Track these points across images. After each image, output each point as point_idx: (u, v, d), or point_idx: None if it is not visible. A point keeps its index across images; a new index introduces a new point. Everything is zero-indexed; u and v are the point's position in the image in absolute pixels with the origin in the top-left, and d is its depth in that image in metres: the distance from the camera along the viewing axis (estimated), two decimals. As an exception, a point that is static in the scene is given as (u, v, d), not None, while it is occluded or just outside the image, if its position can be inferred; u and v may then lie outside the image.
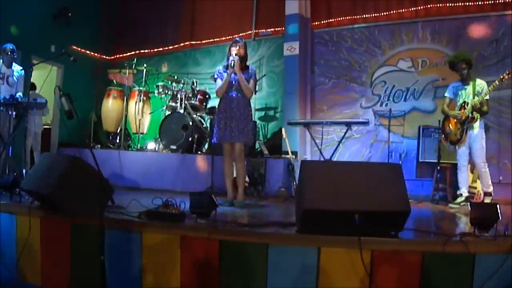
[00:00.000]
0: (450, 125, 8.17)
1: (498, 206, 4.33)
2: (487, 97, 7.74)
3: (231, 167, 7.12)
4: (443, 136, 8.42)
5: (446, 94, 8.41)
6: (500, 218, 4.27)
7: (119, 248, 4.85)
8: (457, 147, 8.09)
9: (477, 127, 7.82)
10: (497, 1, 9.85)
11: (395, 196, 4.30)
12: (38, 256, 5.30)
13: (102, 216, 4.45)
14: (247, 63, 7.26)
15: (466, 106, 7.89)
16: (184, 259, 4.61)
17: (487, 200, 7.69)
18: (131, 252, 4.81)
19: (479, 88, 7.85)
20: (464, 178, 8.06)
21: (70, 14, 12.82)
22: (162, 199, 5.15)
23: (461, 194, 8.02)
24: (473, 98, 7.79)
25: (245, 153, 7.08)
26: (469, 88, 7.96)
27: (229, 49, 7.08)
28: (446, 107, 8.32)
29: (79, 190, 5.20)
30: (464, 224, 5.87)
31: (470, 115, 7.79)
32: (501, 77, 7.56)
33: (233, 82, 6.93)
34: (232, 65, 6.81)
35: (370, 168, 4.86)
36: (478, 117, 7.79)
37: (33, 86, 10.22)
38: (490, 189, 7.76)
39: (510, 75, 7.55)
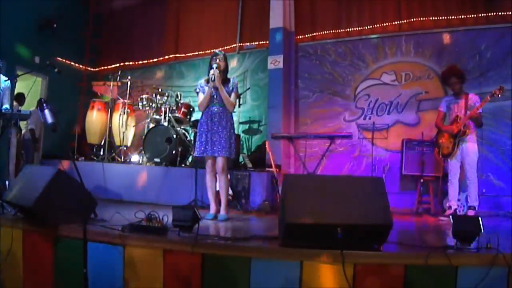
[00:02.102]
0: (443, 138, 8.22)
1: (480, 218, 4.34)
2: (480, 110, 7.80)
3: (214, 180, 7.08)
4: (436, 149, 8.46)
5: (440, 108, 8.50)
6: (482, 231, 4.29)
7: (101, 261, 4.80)
8: (448, 160, 8.13)
9: (469, 141, 7.90)
10: (479, 15, 9.95)
11: (377, 209, 4.31)
12: (20, 268, 5.27)
13: (85, 229, 4.41)
14: (229, 75, 7.21)
15: (458, 120, 7.95)
16: (166, 273, 4.58)
17: (471, 213, 7.73)
18: (114, 265, 4.78)
19: (471, 102, 7.91)
20: (454, 191, 8.10)
21: (55, 25, 12.83)
22: (145, 212, 5.13)
23: (450, 207, 8.06)
24: (466, 112, 7.85)
25: (228, 166, 7.04)
26: (462, 102, 8.02)
27: (210, 62, 7.05)
28: (440, 120, 8.37)
29: (62, 203, 5.19)
30: (447, 237, 5.88)
31: (462, 129, 7.84)
32: (492, 92, 7.66)
33: (215, 96, 6.90)
34: (212, 79, 6.76)
35: (353, 182, 4.86)
36: (470, 131, 7.85)
37: (21, 99, 10.16)
38: (476, 203, 7.82)
39: (501, 91, 7.62)
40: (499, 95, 7.76)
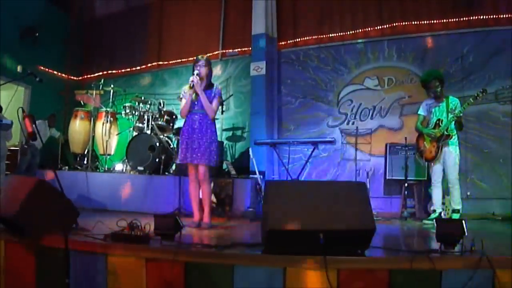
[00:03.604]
0: (424, 142, 8.20)
1: (463, 221, 4.33)
2: (461, 114, 7.81)
3: (197, 188, 7.02)
4: (417, 153, 8.45)
5: (419, 112, 8.44)
6: (466, 234, 4.28)
7: (84, 271, 4.77)
8: (432, 164, 8.12)
9: (452, 144, 7.88)
10: (461, 19, 10.01)
11: (360, 214, 4.28)
12: (3, 279, 5.20)
13: (67, 239, 4.36)
14: (213, 81, 7.16)
15: (440, 123, 7.94)
16: (149, 281, 4.53)
17: (455, 216, 7.72)
18: (96, 274, 4.73)
19: (452, 105, 7.92)
20: (438, 194, 8.09)
21: (37, 34, 12.77)
22: (127, 221, 5.09)
23: (434, 211, 8.06)
24: (447, 115, 7.86)
25: (210, 173, 6.99)
26: (443, 105, 8.02)
27: (192, 69, 7.01)
28: (420, 124, 8.36)
29: (43, 213, 5.12)
30: (431, 240, 5.87)
31: (445, 132, 7.84)
32: (475, 95, 7.68)
33: (195, 102, 6.83)
34: (191, 85, 6.72)
35: (335, 187, 4.83)
36: (453, 135, 7.86)
37: (-1, 108, 10.11)
38: (459, 206, 7.81)
39: (484, 94, 7.64)
40: (481, 98, 7.80)
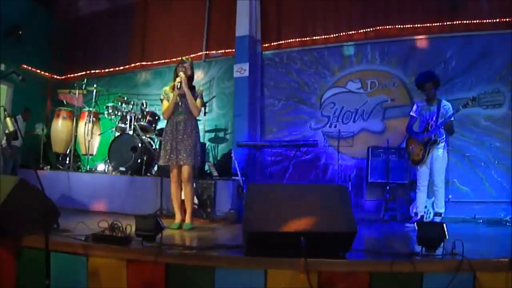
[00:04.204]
0: (413, 144, 8.24)
1: (444, 225, 4.36)
2: (452, 118, 7.84)
3: (179, 189, 7.00)
4: (407, 154, 8.48)
5: (411, 113, 8.45)
6: (447, 237, 4.30)
7: (64, 272, 4.74)
8: (418, 167, 8.15)
9: (439, 148, 7.91)
10: (445, 23, 10.06)
11: (341, 216, 4.30)
12: (-19, 280, 5.16)
13: (48, 239, 4.33)
14: (195, 83, 7.16)
15: (429, 128, 7.97)
16: (130, 283, 4.53)
17: (437, 219, 7.75)
18: (77, 276, 4.72)
19: (443, 110, 7.94)
20: (423, 198, 8.12)
21: (21, 32, 12.69)
22: (108, 222, 5.06)
23: (416, 213, 8.08)
24: (437, 120, 7.86)
25: (193, 175, 6.98)
26: (434, 109, 8.04)
27: (175, 69, 6.98)
28: (411, 126, 8.39)
29: (24, 212, 5.09)
30: (412, 243, 5.89)
31: (432, 137, 7.87)
32: (466, 102, 7.70)
33: (179, 103, 6.82)
34: (178, 86, 6.71)
35: (316, 189, 4.85)
36: (440, 140, 7.89)
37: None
38: (443, 209, 7.86)
39: (474, 102, 7.70)
40: (471, 106, 7.86)
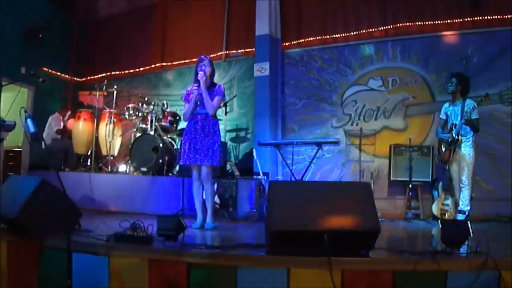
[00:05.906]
0: (441, 145, 8.24)
1: (469, 223, 4.31)
2: (477, 116, 7.80)
3: (201, 189, 6.99)
4: (438, 155, 8.46)
5: (440, 116, 8.48)
6: (471, 235, 4.25)
7: (86, 272, 4.73)
8: (447, 166, 8.16)
9: (465, 147, 7.86)
10: (466, 19, 9.95)
11: (364, 215, 4.26)
12: (5, 280, 5.18)
13: (70, 239, 4.34)
14: (215, 81, 7.17)
15: (454, 127, 7.92)
16: (152, 282, 4.52)
17: (461, 217, 7.67)
18: (99, 276, 4.70)
19: (467, 108, 7.87)
20: (467, 194, 8.01)
21: (41, 35, 12.75)
22: (130, 222, 5.07)
23: (463, 211, 8.00)
24: (461, 119, 7.82)
25: (212, 174, 6.97)
26: (458, 108, 8.00)
27: (196, 68, 6.98)
28: (441, 128, 8.38)
29: (46, 213, 5.11)
30: (436, 242, 5.84)
31: (455, 137, 7.83)
32: (479, 100, 7.68)
33: (198, 103, 6.83)
34: (198, 84, 6.72)
35: (339, 188, 4.81)
36: (464, 138, 7.84)
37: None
38: (468, 207, 7.77)
39: (486, 99, 7.63)
40: (484, 103, 7.78)
